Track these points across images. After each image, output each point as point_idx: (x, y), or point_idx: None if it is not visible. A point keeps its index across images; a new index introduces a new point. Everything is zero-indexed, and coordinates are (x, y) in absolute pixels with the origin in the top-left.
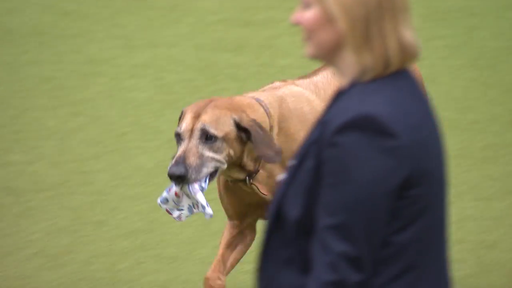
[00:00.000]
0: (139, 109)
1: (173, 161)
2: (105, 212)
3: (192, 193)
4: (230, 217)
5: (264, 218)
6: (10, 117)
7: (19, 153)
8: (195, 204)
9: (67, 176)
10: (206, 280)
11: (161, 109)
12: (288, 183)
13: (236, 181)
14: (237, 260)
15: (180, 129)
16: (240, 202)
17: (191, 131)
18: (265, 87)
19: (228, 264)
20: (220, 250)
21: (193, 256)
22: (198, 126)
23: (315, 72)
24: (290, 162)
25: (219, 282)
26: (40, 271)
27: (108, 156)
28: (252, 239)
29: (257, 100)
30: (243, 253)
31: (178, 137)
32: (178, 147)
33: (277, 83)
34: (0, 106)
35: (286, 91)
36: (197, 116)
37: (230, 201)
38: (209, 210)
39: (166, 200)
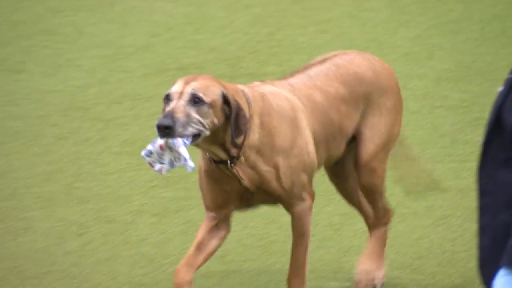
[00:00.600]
0: (377, 27)
1: (162, 115)
2: None
3: (176, 147)
4: (207, 208)
5: (240, 208)
6: (267, 34)
7: (274, 65)
8: (176, 159)
9: None
10: (176, 271)
11: (396, 27)
12: (505, 94)
13: (219, 163)
14: (210, 255)
15: (171, 90)
16: (220, 190)
17: (181, 93)
18: (245, 85)
19: (201, 258)
20: (194, 245)
21: (426, 154)
22: (188, 89)
23: (291, 75)
24: (508, 76)
25: (187, 277)
26: None
27: None
28: (227, 233)
29: (241, 90)
30: (217, 247)
31: (168, 98)
32: (165, 107)
33: (256, 83)
34: (257, 25)
35: (266, 89)
36: (187, 83)
37: (210, 188)
38: (190, 163)
39: (150, 153)
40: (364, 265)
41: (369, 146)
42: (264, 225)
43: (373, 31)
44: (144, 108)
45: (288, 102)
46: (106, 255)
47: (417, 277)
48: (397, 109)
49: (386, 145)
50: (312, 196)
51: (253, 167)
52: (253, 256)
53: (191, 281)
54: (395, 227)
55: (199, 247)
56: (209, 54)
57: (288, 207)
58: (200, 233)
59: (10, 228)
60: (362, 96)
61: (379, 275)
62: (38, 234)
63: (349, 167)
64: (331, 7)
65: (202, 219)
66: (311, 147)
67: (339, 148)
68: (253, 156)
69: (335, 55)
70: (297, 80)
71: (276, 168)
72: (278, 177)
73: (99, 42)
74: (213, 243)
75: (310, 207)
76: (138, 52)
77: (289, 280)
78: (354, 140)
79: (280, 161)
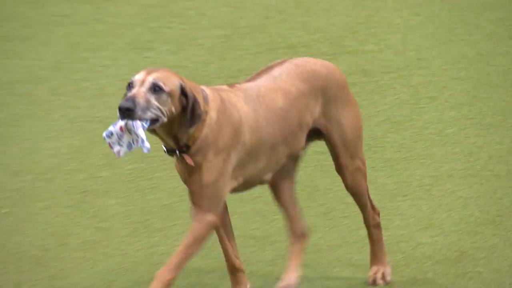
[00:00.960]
0: (464, 10)
1: (124, 99)
2: (437, 89)
3: (134, 128)
4: None
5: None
6: (366, 16)
7: (372, 44)
8: (134, 141)
9: (408, 62)
10: (232, 266)
11: (481, 10)
12: None
13: (170, 151)
14: (233, 235)
15: (134, 78)
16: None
17: (143, 81)
18: (214, 87)
19: (234, 240)
20: (222, 238)
21: (507, 123)
22: (150, 78)
23: (257, 75)
24: None
25: (239, 263)
26: (386, 133)
27: (440, 47)
28: (226, 210)
29: (200, 88)
30: (231, 226)
31: (130, 85)
32: (128, 92)
33: (224, 86)
34: (357, 8)
35: (226, 97)
36: (149, 73)
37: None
38: (147, 144)
39: (111, 134)
40: (375, 268)
41: (341, 146)
42: None
43: (461, 13)
44: None
45: (238, 112)
46: None
47: (499, 232)
48: (352, 102)
49: (355, 137)
50: (216, 219)
51: (195, 157)
52: (353, 213)
53: (241, 264)
54: (479, 188)
55: (228, 237)
56: (314, 34)
57: (194, 213)
58: (220, 222)
59: (140, 187)
60: (320, 90)
61: (388, 271)
62: (164, 192)
63: (282, 179)
64: None
65: (311, 180)
66: (230, 169)
67: (301, 141)
68: (202, 148)
69: (291, 58)
70: (264, 82)
71: (204, 160)
72: (201, 169)
73: (218, 23)
74: (226, 218)
75: (212, 224)
76: (252, 32)
77: (158, 273)
78: (315, 135)
79: (211, 156)
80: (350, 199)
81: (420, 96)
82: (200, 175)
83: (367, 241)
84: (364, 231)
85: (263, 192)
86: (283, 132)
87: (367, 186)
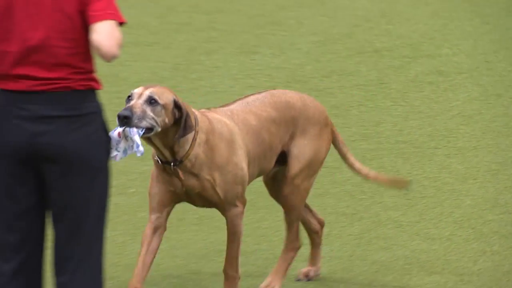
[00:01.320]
0: None
1: (123, 108)
2: (503, 87)
3: (131, 135)
4: (152, 209)
5: (188, 201)
6: (442, 24)
7: (447, 49)
8: (130, 147)
9: (477, 64)
10: (129, 285)
11: None
12: None
13: (165, 163)
14: (154, 256)
15: (133, 92)
16: (166, 190)
17: (140, 94)
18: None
19: (147, 268)
20: (141, 256)
21: None
22: (147, 92)
23: (233, 102)
24: None
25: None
26: (459, 125)
27: (505, 51)
28: (163, 232)
29: (192, 108)
30: (159, 245)
31: (129, 98)
32: (127, 103)
33: (202, 110)
34: (434, 17)
35: (211, 116)
36: (147, 88)
37: (159, 189)
38: (141, 148)
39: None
40: (269, 279)
41: (295, 163)
42: (437, 170)
43: None
44: (347, 80)
45: (227, 127)
46: (316, 192)
47: None
48: (323, 138)
49: (310, 166)
50: (244, 203)
51: (195, 175)
52: (430, 193)
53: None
54: None
55: (145, 259)
56: (397, 40)
57: (222, 212)
58: (146, 240)
59: None
60: (291, 120)
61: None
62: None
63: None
64: (491, 4)
65: (393, 165)
66: (244, 164)
67: (270, 163)
68: (196, 166)
69: (272, 89)
70: (236, 106)
71: (213, 179)
72: (214, 187)
73: (314, 30)
74: (156, 243)
75: (242, 212)
76: (343, 38)
77: (225, 270)
78: (284, 157)
79: (217, 174)
80: (427, 182)
81: (488, 94)
82: (214, 193)
83: (442, 217)
84: (440, 209)
85: (352, 175)
86: (257, 148)
87: (301, 207)
